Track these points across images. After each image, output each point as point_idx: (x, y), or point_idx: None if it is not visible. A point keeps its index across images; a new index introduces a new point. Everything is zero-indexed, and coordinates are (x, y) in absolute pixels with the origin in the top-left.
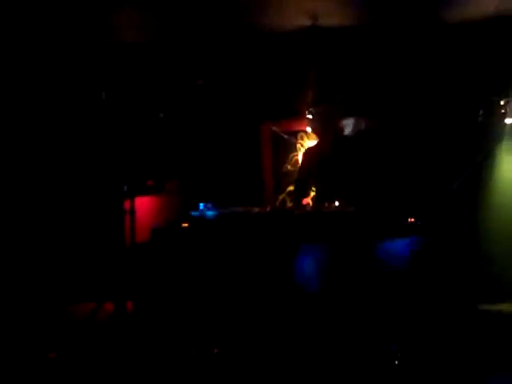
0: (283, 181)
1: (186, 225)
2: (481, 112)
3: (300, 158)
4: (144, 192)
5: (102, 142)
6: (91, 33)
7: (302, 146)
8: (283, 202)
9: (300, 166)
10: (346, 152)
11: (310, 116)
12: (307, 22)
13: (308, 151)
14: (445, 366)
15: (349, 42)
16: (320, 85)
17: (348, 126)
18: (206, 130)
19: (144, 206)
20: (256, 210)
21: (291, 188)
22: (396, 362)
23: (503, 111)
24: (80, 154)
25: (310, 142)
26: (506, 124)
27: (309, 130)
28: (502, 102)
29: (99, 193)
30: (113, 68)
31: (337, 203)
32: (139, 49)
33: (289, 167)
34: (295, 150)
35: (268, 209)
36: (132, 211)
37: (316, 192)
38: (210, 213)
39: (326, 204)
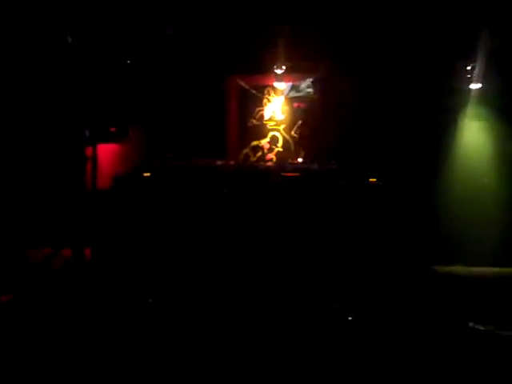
0: (248, 135)
1: (147, 174)
2: (446, 76)
3: (266, 112)
4: (106, 139)
5: (66, 87)
6: None
7: (268, 100)
8: (246, 156)
9: None
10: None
11: (278, 71)
12: None
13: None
14: (399, 324)
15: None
16: (291, 41)
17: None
18: (173, 80)
19: (106, 152)
20: (219, 162)
21: (255, 143)
22: (349, 318)
23: (468, 76)
24: (42, 97)
25: (276, 97)
26: (470, 89)
27: (276, 85)
28: (467, 68)
29: (60, 138)
30: (80, 12)
31: (300, 160)
32: None
33: (254, 122)
34: (261, 104)
35: (231, 162)
36: (94, 158)
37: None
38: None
39: (290, 160)
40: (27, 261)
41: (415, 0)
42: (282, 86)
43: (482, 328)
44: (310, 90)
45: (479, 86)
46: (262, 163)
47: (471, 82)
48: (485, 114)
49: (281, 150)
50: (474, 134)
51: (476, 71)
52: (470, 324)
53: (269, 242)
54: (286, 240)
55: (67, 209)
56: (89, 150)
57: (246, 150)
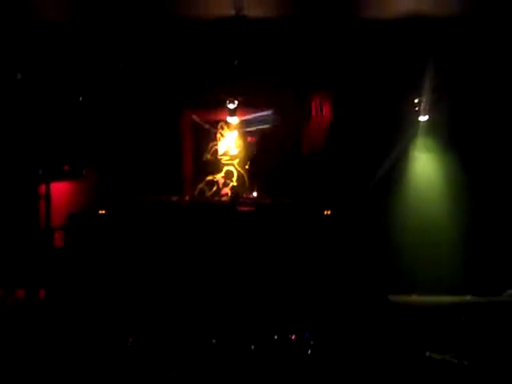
0: (203, 170)
1: (103, 211)
2: (395, 109)
3: (220, 147)
4: (60, 177)
5: (18, 124)
6: (7, 9)
7: (222, 135)
8: (202, 191)
9: None
10: (266, 144)
11: (231, 106)
12: (231, 12)
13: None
14: (356, 353)
15: (271, 34)
16: (243, 75)
17: (263, 117)
18: (126, 117)
19: (60, 191)
20: (174, 198)
21: (210, 177)
22: (309, 351)
23: (416, 109)
24: None
25: (230, 131)
26: (419, 121)
27: (230, 119)
28: (415, 101)
29: (12, 176)
30: (30, 48)
31: (254, 194)
32: (59, 29)
33: (208, 157)
34: (215, 139)
35: (186, 198)
36: (47, 195)
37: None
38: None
39: (244, 194)
40: None
41: (363, 35)
42: (235, 120)
43: (438, 357)
44: (264, 123)
45: (426, 117)
46: (216, 198)
47: (419, 115)
48: (433, 145)
49: (235, 184)
50: (423, 165)
51: (423, 104)
52: (427, 353)
53: (226, 274)
54: (242, 272)
55: (21, 248)
56: (42, 188)
57: (201, 185)
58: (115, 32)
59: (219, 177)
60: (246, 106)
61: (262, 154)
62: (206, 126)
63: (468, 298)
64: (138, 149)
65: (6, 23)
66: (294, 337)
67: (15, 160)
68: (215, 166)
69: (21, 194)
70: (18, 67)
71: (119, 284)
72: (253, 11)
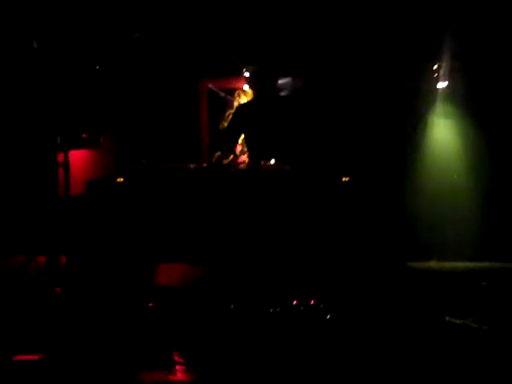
0: (220, 138)
1: (121, 180)
2: (413, 76)
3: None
4: (78, 145)
5: (35, 93)
6: None
7: (238, 103)
8: (219, 159)
9: (232, 121)
10: (282, 111)
11: (247, 74)
12: None
13: (241, 108)
14: (376, 319)
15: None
16: (256, 43)
17: (283, 85)
18: (143, 85)
19: (78, 159)
20: (192, 166)
21: None
22: (327, 317)
23: (435, 75)
24: (12, 105)
25: (247, 99)
26: (437, 88)
27: (246, 87)
28: (433, 67)
29: (31, 144)
30: (46, 16)
31: (273, 161)
32: None
33: (225, 125)
34: (232, 107)
35: (204, 165)
36: (66, 164)
37: (250, 150)
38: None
39: (263, 162)
40: (1, 268)
41: (381, 4)
42: None
43: (458, 322)
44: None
45: (445, 84)
46: (234, 165)
47: (438, 82)
48: (452, 111)
49: None
50: (442, 132)
51: (442, 70)
52: (447, 318)
53: (245, 239)
54: (261, 239)
55: (41, 216)
56: (61, 157)
57: (218, 153)
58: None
59: None
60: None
61: (277, 122)
62: (223, 94)
63: (488, 263)
64: (154, 116)
65: None
66: (312, 302)
67: (34, 129)
68: None
69: (39, 162)
70: (33, 36)
71: (137, 249)
72: None
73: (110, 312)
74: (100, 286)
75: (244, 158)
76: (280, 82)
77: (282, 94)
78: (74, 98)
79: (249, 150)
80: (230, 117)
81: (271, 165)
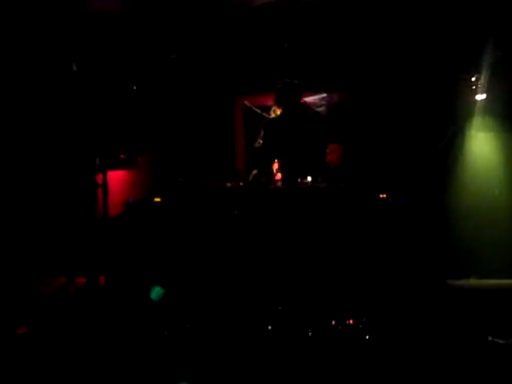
0: (256, 156)
1: (158, 199)
2: (452, 89)
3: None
4: (116, 165)
5: (74, 115)
6: (61, 2)
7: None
8: (255, 177)
9: (263, 138)
10: (316, 126)
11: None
12: None
13: (271, 124)
14: (416, 338)
15: (322, 17)
16: (292, 58)
17: (318, 100)
18: (179, 104)
19: (116, 179)
20: (229, 185)
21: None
22: (367, 337)
23: (473, 88)
24: (52, 127)
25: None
26: (476, 101)
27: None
28: (472, 79)
29: (71, 166)
30: (84, 39)
31: (309, 178)
32: (112, 20)
33: (261, 142)
34: None
35: (241, 184)
36: (104, 185)
37: (284, 167)
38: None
39: (299, 179)
40: (42, 290)
41: (419, 12)
42: None
43: (501, 342)
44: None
45: (484, 96)
46: (271, 183)
47: (476, 93)
48: (491, 124)
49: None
50: (481, 145)
51: (481, 82)
52: (489, 338)
53: (283, 261)
54: (299, 257)
55: (80, 237)
56: (99, 177)
57: (254, 171)
58: (167, 21)
59: None
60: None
61: (311, 137)
62: (258, 111)
63: None
64: (190, 136)
65: (60, 16)
66: (352, 321)
67: (73, 150)
68: None
69: (79, 183)
70: (73, 59)
71: (176, 270)
72: None
73: (146, 333)
74: (138, 308)
75: (280, 175)
76: (314, 97)
77: (316, 109)
78: (112, 119)
79: (281, 167)
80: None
81: (308, 182)
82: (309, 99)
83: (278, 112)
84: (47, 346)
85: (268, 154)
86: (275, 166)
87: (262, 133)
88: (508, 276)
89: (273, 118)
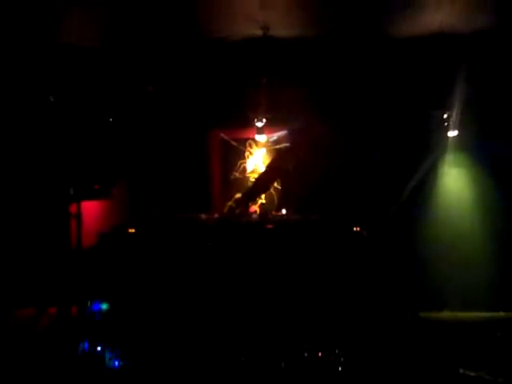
0: (231, 188)
1: (132, 230)
2: (423, 125)
3: (248, 165)
4: (91, 196)
5: (49, 145)
6: (40, 34)
7: (250, 153)
8: (230, 209)
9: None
10: (299, 161)
11: (259, 124)
12: (258, 32)
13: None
14: (388, 370)
15: (299, 53)
16: (270, 94)
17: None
18: (155, 136)
19: (90, 209)
20: (203, 216)
21: (239, 195)
22: (339, 368)
23: (446, 124)
24: (27, 156)
25: (258, 149)
26: (448, 137)
27: (258, 137)
28: (443, 116)
29: (45, 195)
30: (61, 71)
31: (284, 211)
32: (89, 53)
33: (237, 175)
34: (243, 157)
35: (216, 215)
36: (78, 215)
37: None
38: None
39: (274, 212)
40: (13, 321)
41: (391, 52)
42: (263, 138)
43: (472, 374)
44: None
45: (456, 133)
46: (245, 216)
47: (448, 130)
48: (463, 160)
49: (264, 202)
50: (453, 181)
51: (452, 119)
52: (461, 370)
53: (255, 292)
54: (271, 290)
55: (53, 267)
56: (73, 208)
57: (229, 203)
58: (143, 54)
59: None
60: (273, 124)
61: (289, 172)
62: (234, 144)
63: (502, 313)
64: (166, 167)
65: (38, 47)
66: (323, 354)
67: (48, 180)
68: (244, 183)
69: (52, 213)
70: (50, 90)
71: (149, 300)
72: (280, 31)
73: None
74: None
75: (255, 207)
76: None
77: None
78: (87, 150)
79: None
80: (242, 167)
81: (282, 214)
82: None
83: (254, 146)
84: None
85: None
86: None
87: (242, 165)
88: (480, 309)
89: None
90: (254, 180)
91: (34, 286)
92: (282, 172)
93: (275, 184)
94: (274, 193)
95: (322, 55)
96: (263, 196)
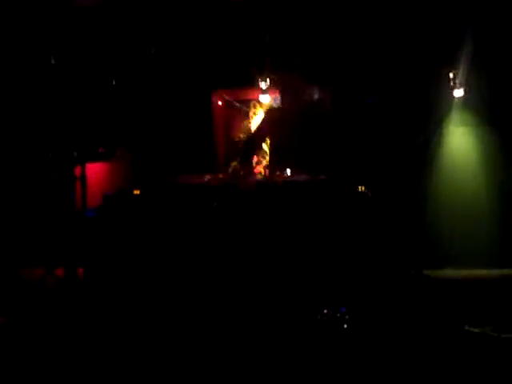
0: (236, 148)
1: (137, 192)
2: (429, 84)
3: (252, 126)
4: (95, 158)
5: (53, 108)
6: None
7: (254, 114)
8: (235, 170)
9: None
10: (303, 119)
11: (262, 84)
12: None
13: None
14: (392, 328)
15: (303, 10)
16: (272, 53)
17: (304, 94)
18: (159, 98)
19: (95, 172)
20: (208, 177)
21: (235, 163)
22: (345, 326)
23: (452, 83)
24: (30, 120)
25: (262, 110)
26: (454, 96)
27: (261, 98)
28: (449, 74)
29: (49, 158)
30: (63, 32)
31: (288, 171)
32: (91, 13)
33: (241, 135)
34: (247, 118)
35: (220, 176)
36: (83, 177)
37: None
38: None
39: (278, 172)
40: (21, 281)
41: (398, 9)
42: (267, 99)
43: (477, 330)
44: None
45: (462, 92)
46: (250, 176)
47: (454, 89)
48: (469, 119)
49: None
50: (459, 139)
51: (458, 78)
52: (466, 327)
53: (261, 254)
54: (277, 250)
55: (58, 228)
56: (78, 170)
57: (234, 163)
58: (146, 16)
59: None
60: (278, 84)
61: (295, 132)
62: (238, 105)
63: (506, 270)
64: (170, 128)
65: (37, 10)
66: (328, 311)
67: (52, 143)
68: None
69: (57, 175)
70: (51, 52)
71: (153, 263)
72: None
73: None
74: (116, 299)
75: (260, 168)
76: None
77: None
78: (91, 113)
79: (271, 157)
80: (246, 127)
81: (287, 175)
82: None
83: (259, 107)
84: (25, 336)
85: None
86: (255, 159)
87: (246, 126)
88: (483, 266)
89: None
90: (245, 139)
91: (40, 248)
92: (272, 128)
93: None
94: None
95: (327, 12)
96: (267, 156)
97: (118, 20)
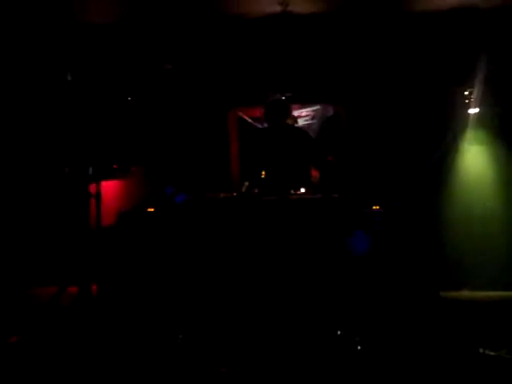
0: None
1: (151, 209)
2: (444, 102)
3: None
4: (110, 175)
5: (68, 124)
6: (57, 13)
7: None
8: (249, 188)
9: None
10: (309, 139)
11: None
12: (277, 8)
13: (258, 134)
14: (407, 350)
15: (318, 29)
16: (286, 71)
17: (313, 112)
18: (174, 115)
19: (109, 189)
20: (222, 195)
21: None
22: (358, 347)
23: (466, 101)
24: (46, 136)
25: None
26: (469, 114)
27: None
28: (465, 92)
29: (65, 175)
30: (79, 49)
31: (303, 190)
32: (107, 31)
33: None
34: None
35: (234, 194)
36: (97, 194)
37: (268, 179)
38: (177, 198)
39: (293, 191)
40: (33, 300)
41: (411, 28)
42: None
43: (492, 354)
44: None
45: (477, 110)
46: (264, 194)
47: (469, 107)
48: (484, 137)
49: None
50: (474, 158)
51: (473, 96)
52: (480, 350)
53: (276, 275)
54: (292, 272)
55: (72, 246)
56: (93, 187)
57: (247, 183)
58: (162, 33)
59: None
60: (292, 101)
61: (302, 150)
62: (253, 123)
63: None
64: (184, 146)
65: (55, 27)
66: (341, 331)
67: (67, 160)
68: None
69: (72, 193)
70: (67, 68)
71: (168, 279)
72: (299, 7)
73: (140, 344)
74: (130, 317)
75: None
76: (307, 109)
77: (309, 121)
78: (106, 129)
79: (266, 178)
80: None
81: (301, 193)
82: (302, 111)
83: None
84: (40, 354)
85: (253, 164)
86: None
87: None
88: (500, 288)
89: (260, 129)
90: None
91: (54, 265)
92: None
93: None
94: None
95: (342, 30)
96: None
97: (135, 37)
